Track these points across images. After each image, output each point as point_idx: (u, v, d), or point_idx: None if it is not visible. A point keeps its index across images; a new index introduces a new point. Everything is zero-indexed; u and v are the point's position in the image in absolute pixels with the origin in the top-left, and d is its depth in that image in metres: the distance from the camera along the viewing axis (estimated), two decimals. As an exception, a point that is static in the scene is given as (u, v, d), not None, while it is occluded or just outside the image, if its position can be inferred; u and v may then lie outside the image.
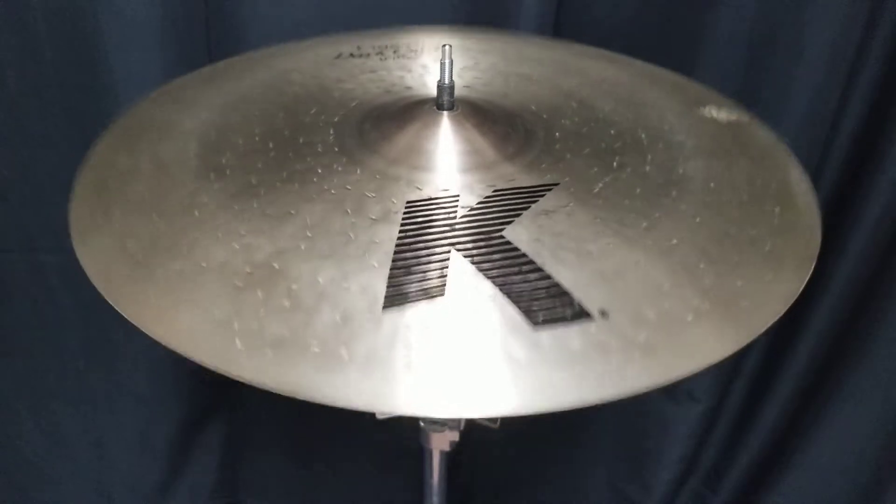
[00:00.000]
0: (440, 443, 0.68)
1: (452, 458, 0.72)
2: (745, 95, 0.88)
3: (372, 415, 0.65)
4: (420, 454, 0.71)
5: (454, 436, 0.67)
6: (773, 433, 1.08)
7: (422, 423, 0.67)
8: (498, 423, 0.65)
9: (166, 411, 1.07)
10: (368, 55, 0.73)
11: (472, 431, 0.67)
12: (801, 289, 0.47)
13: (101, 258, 0.48)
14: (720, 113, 0.67)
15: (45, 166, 0.89)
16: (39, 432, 1.08)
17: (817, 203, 0.55)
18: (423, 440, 0.68)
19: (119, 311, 0.44)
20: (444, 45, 0.55)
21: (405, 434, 0.70)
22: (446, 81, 0.56)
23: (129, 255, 0.47)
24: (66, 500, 1.14)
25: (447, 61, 0.55)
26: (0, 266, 0.95)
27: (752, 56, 0.86)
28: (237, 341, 0.40)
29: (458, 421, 0.66)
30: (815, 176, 0.90)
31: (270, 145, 0.58)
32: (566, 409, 0.37)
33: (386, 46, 0.75)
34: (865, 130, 0.87)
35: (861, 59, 0.84)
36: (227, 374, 0.39)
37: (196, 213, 0.50)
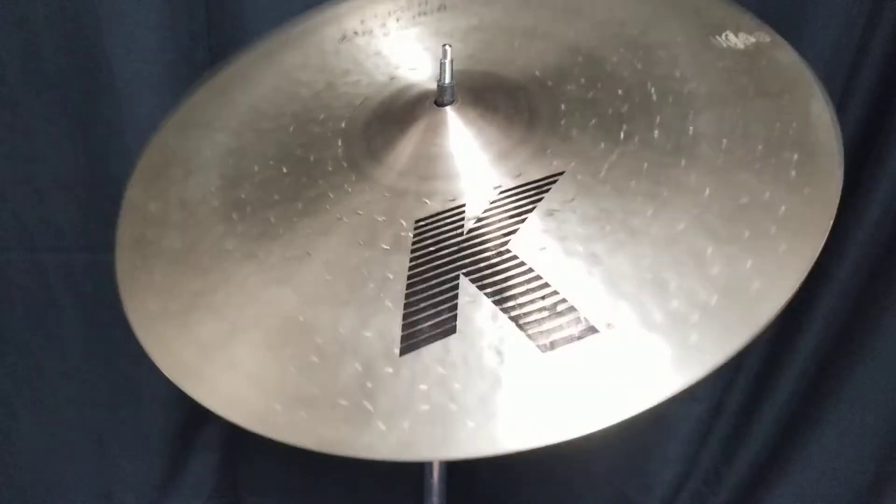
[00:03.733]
0: (440, 443, 0.68)
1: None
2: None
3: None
4: (420, 454, 0.71)
5: (454, 436, 0.67)
6: (773, 433, 1.08)
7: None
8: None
9: (166, 411, 1.07)
10: (371, 31, 0.72)
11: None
12: (818, 254, 0.45)
13: (148, 319, 0.53)
14: (738, 37, 0.62)
15: (45, 166, 0.89)
16: (39, 432, 1.08)
17: (840, 137, 0.51)
18: (423, 440, 0.68)
19: (171, 378, 0.47)
20: (443, 45, 0.55)
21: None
22: (446, 81, 0.56)
23: (171, 317, 0.52)
24: (66, 500, 1.14)
25: (447, 61, 0.55)
26: (0, 266, 0.95)
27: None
28: (277, 405, 0.44)
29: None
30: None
31: (284, 170, 0.60)
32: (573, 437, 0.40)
33: (389, 13, 0.73)
34: (865, 130, 0.87)
35: (861, 59, 0.84)
36: (275, 438, 0.42)
37: (224, 265, 0.54)
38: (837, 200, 0.47)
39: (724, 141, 0.53)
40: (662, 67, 0.60)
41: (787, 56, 0.59)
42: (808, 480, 1.06)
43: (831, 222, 0.46)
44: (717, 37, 0.62)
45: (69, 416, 1.07)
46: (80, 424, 1.08)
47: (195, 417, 1.10)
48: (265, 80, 0.70)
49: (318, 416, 0.42)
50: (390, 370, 0.44)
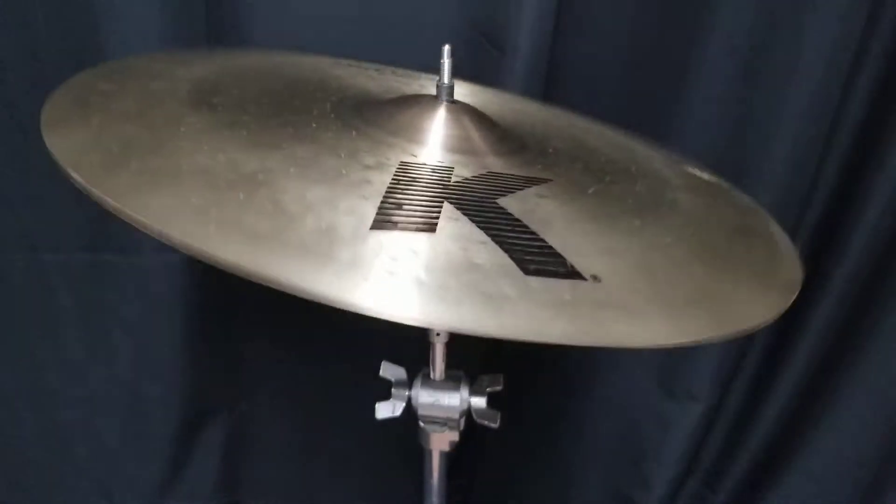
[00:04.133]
0: (440, 443, 0.68)
1: (452, 458, 0.72)
2: (745, 95, 0.88)
3: (372, 415, 0.66)
4: (420, 454, 0.71)
5: (454, 436, 0.67)
6: (773, 433, 1.08)
7: (421, 424, 0.67)
8: (498, 422, 0.65)
9: (166, 411, 1.07)
10: (367, 69, 0.74)
11: (472, 431, 0.67)
12: (789, 305, 0.47)
13: (74, 150, 0.44)
14: (704, 173, 0.69)
15: (45, 166, 0.89)
16: (39, 432, 1.08)
17: (798, 257, 0.56)
18: (423, 440, 0.68)
19: (88, 189, 0.40)
20: (443, 46, 0.55)
21: (405, 434, 0.70)
22: (445, 81, 0.56)
23: (105, 150, 0.44)
24: (66, 500, 1.14)
25: (446, 61, 0.55)
26: (0, 266, 0.95)
27: (752, 56, 0.86)
28: (212, 227, 0.38)
29: (457, 421, 0.66)
30: (815, 177, 0.91)
31: (265, 100, 0.55)
32: (540, 342, 0.36)
33: (384, 69, 0.75)
34: (865, 130, 0.87)
35: (861, 59, 0.84)
36: (199, 255, 0.36)
37: (182, 129, 0.47)
38: (798, 290, 0.51)
39: (700, 208, 0.57)
40: (641, 161, 0.65)
41: (744, 199, 0.67)
42: (808, 480, 1.06)
43: (795, 294, 0.49)
44: (685, 167, 0.69)
45: (69, 416, 1.07)
46: (80, 424, 1.08)
47: (195, 417, 1.10)
48: (252, 63, 0.69)
49: (263, 248, 0.37)
50: (357, 238, 0.39)
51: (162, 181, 0.41)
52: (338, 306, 0.35)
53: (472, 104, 0.63)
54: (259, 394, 1.11)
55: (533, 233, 0.43)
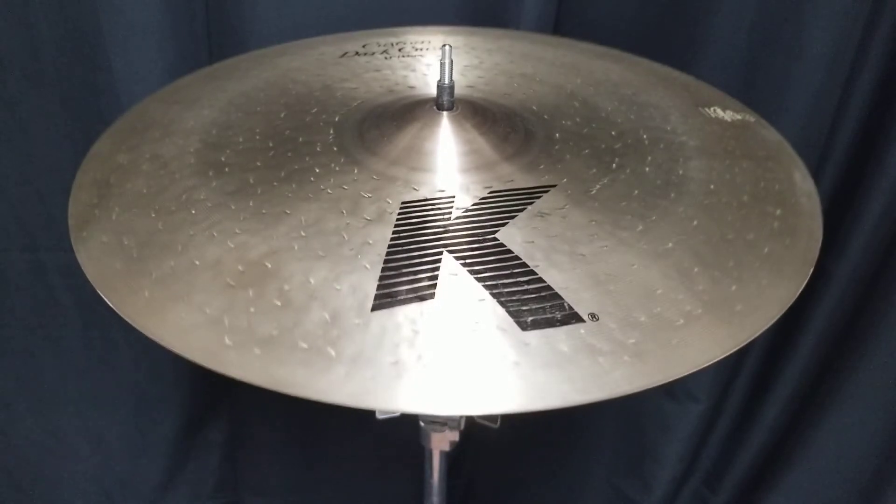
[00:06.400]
0: (440, 443, 0.68)
1: (452, 458, 0.72)
2: (745, 95, 0.88)
3: (372, 414, 0.66)
4: (420, 454, 0.71)
5: (454, 436, 0.67)
6: (773, 433, 1.08)
7: (422, 423, 0.67)
8: (498, 422, 0.65)
9: (166, 411, 1.07)
10: (373, 53, 0.73)
11: (472, 431, 0.67)
12: (798, 293, 0.46)
13: (97, 253, 0.48)
14: (725, 113, 0.66)
15: (45, 166, 0.89)
16: (39, 432, 1.08)
17: (820, 206, 0.55)
18: (423, 440, 0.68)
19: (112, 306, 0.44)
20: (444, 46, 0.55)
21: (405, 434, 0.70)
22: (446, 81, 0.56)
23: (125, 251, 0.48)
24: (66, 500, 1.14)
25: (447, 61, 0.55)
26: (0, 266, 0.95)
27: (752, 56, 0.86)
28: (226, 338, 0.40)
29: (457, 420, 0.66)
30: (816, 176, 0.90)
31: (270, 144, 0.58)
32: (551, 409, 0.37)
33: (391, 44, 0.75)
34: (865, 130, 0.87)
35: (861, 59, 0.84)
36: (215, 370, 0.39)
37: (193, 211, 0.50)
38: (816, 257, 0.50)
39: (712, 185, 0.55)
40: (654, 121, 0.64)
41: (771, 134, 0.64)
42: (808, 480, 1.06)
43: (811, 271, 0.49)
44: (705, 108, 0.67)
45: (69, 416, 1.07)
46: (80, 424, 1.08)
47: (195, 417, 1.10)
48: (260, 75, 0.70)
49: (274, 357, 0.39)
50: (359, 321, 0.41)
51: (178, 290, 0.44)
52: (346, 405, 0.37)
53: (474, 96, 0.63)
54: (259, 393, 1.11)
55: (531, 273, 0.44)
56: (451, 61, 0.55)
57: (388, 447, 1.09)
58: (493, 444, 1.16)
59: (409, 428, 0.68)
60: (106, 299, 0.44)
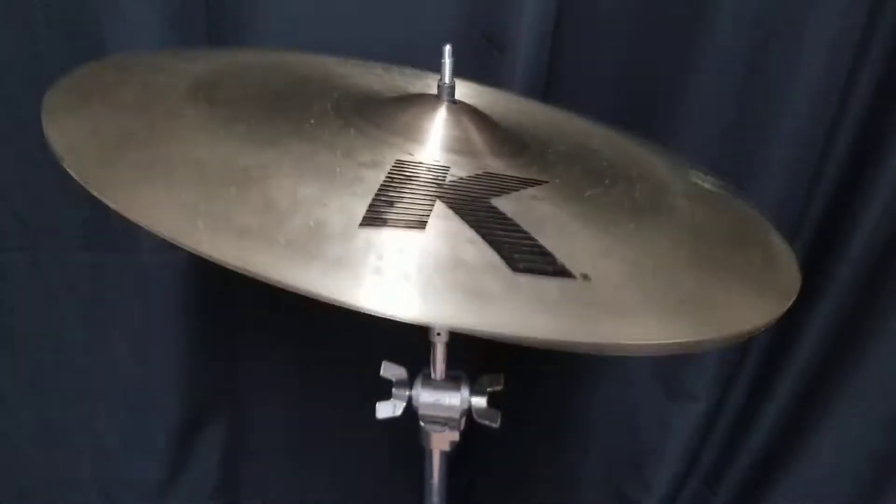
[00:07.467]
0: (440, 443, 0.68)
1: (452, 458, 0.72)
2: (745, 95, 0.88)
3: (373, 414, 0.66)
4: (420, 454, 0.71)
5: (454, 436, 0.67)
6: (773, 433, 1.08)
7: (422, 423, 0.67)
8: (498, 422, 0.65)
9: (166, 411, 1.07)
10: (373, 68, 0.74)
11: (472, 431, 0.67)
12: (782, 313, 0.47)
13: (71, 137, 0.45)
14: (706, 181, 0.68)
15: (45, 166, 0.89)
16: (39, 432, 1.08)
17: (798, 267, 0.56)
18: (423, 440, 0.68)
19: (82, 181, 0.40)
20: (444, 46, 0.55)
21: (405, 434, 0.70)
22: (446, 81, 0.56)
23: (101, 139, 0.45)
24: (66, 500, 1.14)
25: (447, 61, 0.55)
26: (0, 265, 0.95)
27: (752, 56, 0.86)
28: (199, 222, 0.38)
29: (458, 421, 0.66)
30: (816, 176, 0.91)
31: (267, 96, 0.57)
32: (525, 339, 0.36)
33: (390, 68, 0.76)
34: (865, 131, 0.87)
35: (861, 59, 0.84)
36: (187, 248, 0.37)
37: (180, 120, 0.48)
38: (796, 294, 0.51)
39: (698, 215, 0.57)
40: (643, 165, 0.65)
41: (749, 205, 0.66)
42: (808, 480, 1.06)
43: (791, 301, 0.49)
44: (689, 173, 0.69)
45: (69, 416, 1.07)
46: (80, 424, 1.08)
47: (195, 417, 1.10)
48: (257, 59, 0.69)
49: (250, 245, 0.37)
50: (345, 233, 0.39)
51: (154, 174, 0.42)
52: (319, 299, 0.35)
53: (473, 104, 0.63)
54: (259, 393, 1.11)
55: (524, 231, 0.43)
56: (452, 60, 0.55)
57: (388, 447, 1.09)
58: (493, 444, 1.16)
59: (409, 428, 0.68)
60: (80, 178, 0.40)
